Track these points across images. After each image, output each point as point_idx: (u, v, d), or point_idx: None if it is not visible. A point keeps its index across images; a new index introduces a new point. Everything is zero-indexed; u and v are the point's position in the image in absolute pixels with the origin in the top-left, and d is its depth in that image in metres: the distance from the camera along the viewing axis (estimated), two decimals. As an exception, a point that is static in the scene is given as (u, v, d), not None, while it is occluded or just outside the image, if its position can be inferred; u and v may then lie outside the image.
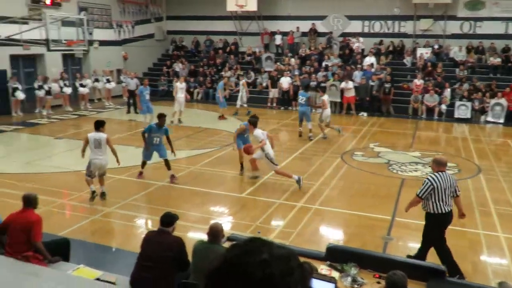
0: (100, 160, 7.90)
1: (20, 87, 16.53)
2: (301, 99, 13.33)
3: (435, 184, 5.55)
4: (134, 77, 17.88)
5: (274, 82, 19.44)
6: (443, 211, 5.60)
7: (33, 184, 8.81)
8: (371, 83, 18.21)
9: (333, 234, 7.18)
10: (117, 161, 8.08)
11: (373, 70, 18.95)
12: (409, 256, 5.82)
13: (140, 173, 9.49)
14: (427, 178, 5.71)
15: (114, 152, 8.02)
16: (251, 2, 21.12)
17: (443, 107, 17.49)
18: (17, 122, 15.68)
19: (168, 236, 4.65)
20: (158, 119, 9.22)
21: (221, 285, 1.04)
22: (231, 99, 18.64)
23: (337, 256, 5.17)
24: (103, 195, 8.15)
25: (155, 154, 9.31)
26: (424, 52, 19.98)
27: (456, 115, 17.21)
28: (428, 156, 11.55)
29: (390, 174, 10.14)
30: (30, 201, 5.11)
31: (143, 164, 9.44)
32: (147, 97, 14.45)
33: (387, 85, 18.02)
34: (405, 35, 21.31)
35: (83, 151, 8.13)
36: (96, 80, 19.51)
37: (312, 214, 7.72)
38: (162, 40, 25.29)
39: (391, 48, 21.10)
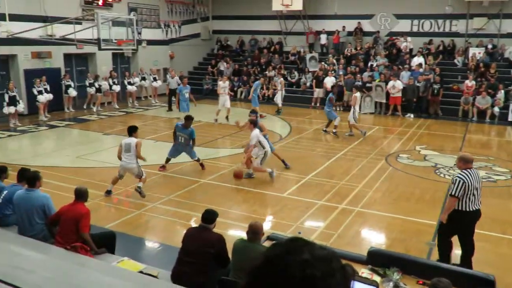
0: (126, 164, 8.11)
1: (72, 84, 17.27)
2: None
3: (467, 181, 5.39)
4: (175, 76, 18.19)
5: (319, 82, 19.25)
6: (471, 209, 5.47)
7: (83, 178, 9.17)
8: (419, 84, 17.67)
9: (375, 238, 7.03)
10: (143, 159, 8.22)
11: (421, 70, 18.39)
12: (455, 264, 5.57)
13: (163, 167, 9.80)
14: (458, 176, 5.52)
15: (140, 157, 8.12)
16: (296, 2, 21.00)
17: (496, 109, 16.71)
18: (69, 118, 16.38)
19: (209, 232, 4.71)
20: (185, 120, 9.56)
21: (262, 284, 1.04)
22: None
23: (379, 260, 5.05)
24: (139, 190, 8.16)
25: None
26: (476, 52, 19.17)
27: (510, 118, 16.40)
28: (479, 160, 11.07)
29: (437, 178, 9.81)
30: (81, 195, 5.33)
31: (167, 160, 9.78)
32: (186, 95, 14.73)
33: (436, 86, 17.43)
34: (456, 34, 20.53)
35: (119, 157, 8.32)
36: (143, 79, 20.07)
37: (354, 216, 7.59)
38: (208, 39, 25.65)
39: (441, 48, 20.39)
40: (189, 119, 9.58)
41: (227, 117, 15.49)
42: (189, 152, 9.68)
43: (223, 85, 15.97)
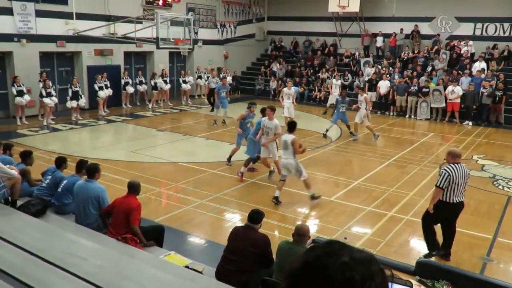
0: (285, 159, 8.06)
1: (130, 81, 17.96)
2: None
3: (452, 174, 5.77)
4: (215, 76, 18.19)
5: (372, 85, 18.85)
6: (454, 201, 5.87)
7: (136, 172, 9.52)
8: (481, 91, 16.82)
9: (424, 248, 6.78)
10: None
11: (483, 76, 17.52)
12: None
13: (252, 169, 9.90)
14: (444, 169, 5.91)
15: (297, 153, 8.04)
16: (353, 3, 20.68)
17: None
18: (126, 113, 17.05)
19: (254, 232, 4.75)
20: (262, 113, 9.42)
21: (301, 286, 1.05)
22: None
23: (427, 271, 4.90)
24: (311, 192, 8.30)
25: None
26: (545, 58, 18.03)
27: None
28: (542, 173, 10.43)
29: (495, 190, 9.33)
30: (134, 188, 5.55)
31: (255, 160, 9.76)
32: (223, 94, 14.76)
33: (498, 93, 16.56)
34: (524, 39, 19.41)
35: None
36: (199, 78, 20.49)
37: (403, 225, 7.37)
38: (262, 40, 25.81)
39: (505, 53, 19.34)
40: (271, 109, 9.23)
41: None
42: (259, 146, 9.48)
43: (287, 91, 14.24)
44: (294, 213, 7.87)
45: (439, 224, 6.24)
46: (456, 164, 5.88)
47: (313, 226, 7.13)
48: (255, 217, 4.81)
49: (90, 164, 6.13)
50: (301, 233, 4.56)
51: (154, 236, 5.60)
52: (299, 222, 6.49)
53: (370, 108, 13.44)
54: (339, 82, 18.67)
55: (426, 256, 6.07)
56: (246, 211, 5.08)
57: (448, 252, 6.14)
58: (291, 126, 8.01)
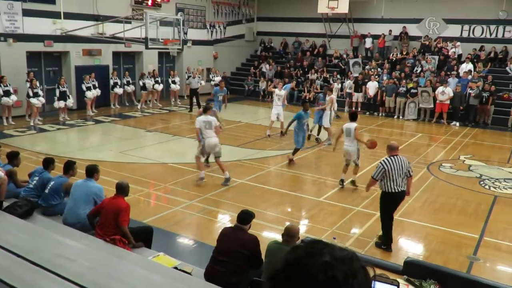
0: (347, 147, 9.03)
1: (119, 82, 17.83)
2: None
3: (386, 167, 6.26)
4: (196, 76, 17.95)
5: (358, 86, 18.95)
6: (393, 191, 6.30)
7: (124, 172, 9.46)
8: (468, 91, 17.00)
9: (412, 248, 6.86)
10: None
11: (470, 77, 17.73)
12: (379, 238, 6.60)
13: (291, 160, 10.45)
14: (380, 162, 6.41)
15: (359, 141, 9.04)
16: (342, 4, 20.78)
17: (550, 120, 15.91)
18: (114, 114, 16.93)
19: (243, 233, 4.74)
20: (303, 104, 10.79)
21: (284, 287, 1.05)
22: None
23: (415, 271, 4.95)
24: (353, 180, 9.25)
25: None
26: (531, 60, 18.31)
27: None
28: (528, 173, 10.59)
29: (482, 190, 9.44)
30: (122, 189, 5.52)
31: (296, 151, 10.49)
32: (219, 98, 14.08)
33: (485, 94, 16.76)
34: (510, 41, 19.69)
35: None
36: (189, 78, 20.38)
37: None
38: (252, 41, 25.82)
39: (492, 55, 19.60)
40: (305, 102, 10.83)
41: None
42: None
43: (278, 92, 13.85)
44: (283, 213, 7.89)
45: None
46: (393, 157, 6.37)
47: (302, 227, 7.16)
48: (244, 217, 4.81)
49: (89, 164, 6.23)
50: (291, 233, 4.58)
51: (143, 237, 5.58)
52: (288, 223, 6.51)
53: (335, 109, 12.98)
54: (339, 85, 18.71)
55: (377, 243, 6.57)
56: (235, 211, 5.08)
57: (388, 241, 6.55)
58: (354, 116, 9.07)
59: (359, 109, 18.73)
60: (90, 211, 5.64)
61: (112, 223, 5.27)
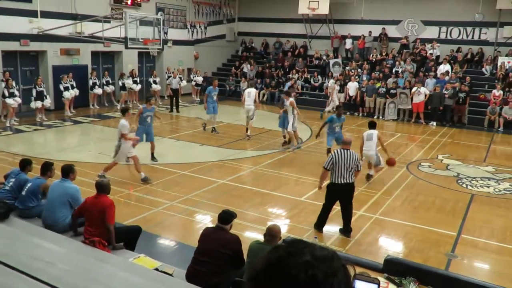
0: (367, 151, 9.51)
1: (98, 82, 17.58)
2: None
3: (335, 158, 6.63)
4: (176, 76, 17.86)
5: (340, 86, 19.09)
6: (337, 182, 6.66)
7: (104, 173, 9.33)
8: (446, 92, 17.33)
9: (392, 246, 6.94)
10: None
11: (447, 78, 18.07)
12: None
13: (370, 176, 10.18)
14: (331, 153, 6.86)
15: (383, 147, 9.78)
16: (323, 5, 20.95)
17: (524, 120, 16.31)
18: (93, 114, 16.69)
19: (225, 233, 4.73)
20: (337, 109, 11.15)
21: (264, 287, 1.04)
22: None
23: (395, 269, 5.01)
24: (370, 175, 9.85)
25: None
26: (506, 61, 18.76)
27: (538, 130, 15.99)
28: (503, 171, 10.83)
29: (459, 188, 9.63)
30: (103, 187, 5.45)
31: (329, 150, 10.49)
32: (215, 97, 13.65)
33: (462, 95, 17.10)
34: (486, 43, 20.16)
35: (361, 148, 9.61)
36: (169, 78, 20.20)
37: (372, 224, 7.51)
38: (233, 41, 25.79)
39: (468, 56, 20.02)
40: (340, 107, 11.23)
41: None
42: (338, 136, 10.60)
43: (248, 90, 13.66)
44: (265, 213, 7.89)
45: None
46: (343, 150, 6.74)
47: (284, 226, 7.17)
48: (225, 217, 4.79)
49: (65, 164, 6.11)
50: (272, 233, 4.58)
51: (131, 236, 5.57)
52: (270, 223, 6.51)
53: (298, 113, 12.17)
54: (339, 87, 18.74)
55: (340, 230, 7.00)
56: (217, 212, 5.06)
57: (348, 229, 6.92)
58: (373, 124, 9.65)
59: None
60: (73, 213, 5.56)
61: (100, 221, 5.20)
